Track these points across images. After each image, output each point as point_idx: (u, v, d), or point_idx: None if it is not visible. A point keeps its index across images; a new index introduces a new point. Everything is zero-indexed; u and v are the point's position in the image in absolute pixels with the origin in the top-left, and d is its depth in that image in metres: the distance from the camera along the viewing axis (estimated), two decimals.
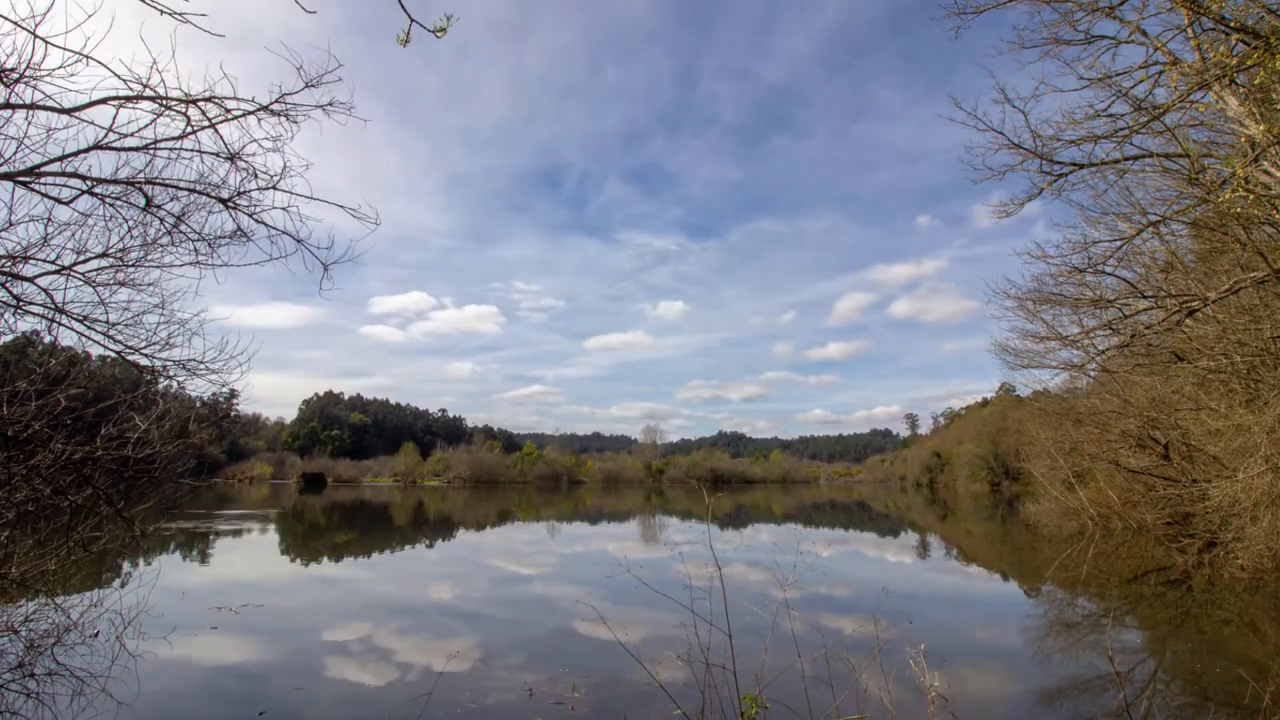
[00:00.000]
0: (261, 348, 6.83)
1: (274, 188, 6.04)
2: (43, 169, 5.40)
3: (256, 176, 5.96)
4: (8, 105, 5.03)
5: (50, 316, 5.91)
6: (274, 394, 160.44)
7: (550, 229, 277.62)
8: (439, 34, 3.28)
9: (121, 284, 6.24)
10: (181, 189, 5.86)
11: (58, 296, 5.90)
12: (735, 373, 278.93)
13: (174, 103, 5.40)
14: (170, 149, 5.67)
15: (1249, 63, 7.36)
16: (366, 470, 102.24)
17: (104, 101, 5.24)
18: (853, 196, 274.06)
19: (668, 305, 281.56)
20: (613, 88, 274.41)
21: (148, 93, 5.29)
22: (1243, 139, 8.32)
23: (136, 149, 5.56)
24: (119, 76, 5.11)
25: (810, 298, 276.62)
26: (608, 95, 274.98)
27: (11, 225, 5.62)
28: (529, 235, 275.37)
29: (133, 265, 6.18)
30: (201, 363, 6.59)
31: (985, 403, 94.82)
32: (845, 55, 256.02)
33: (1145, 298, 12.51)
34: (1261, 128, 7.78)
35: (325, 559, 16.53)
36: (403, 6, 3.09)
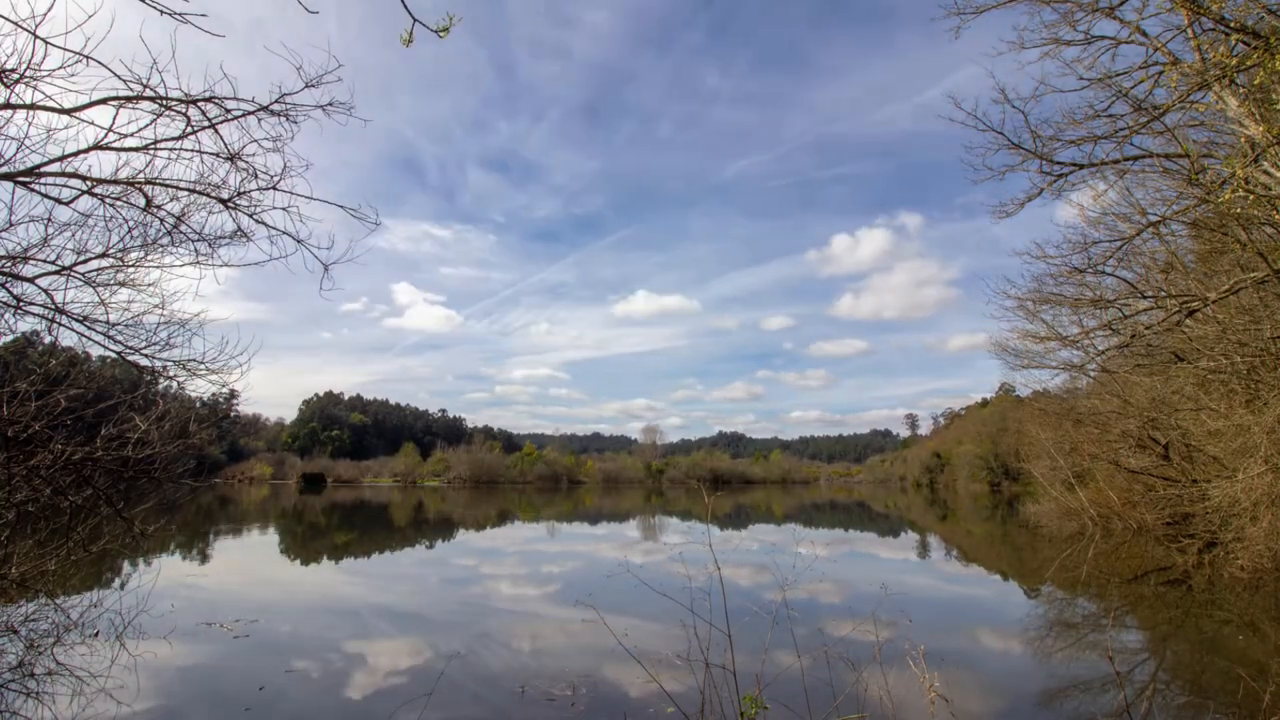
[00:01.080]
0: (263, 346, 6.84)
1: (274, 188, 6.04)
2: (43, 169, 5.40)
3: (256, 176, 5.96)
4: (8, 105, 5.03)
5: (50, 317, 5.91)
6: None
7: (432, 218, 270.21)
8: (442, 34, 3.28)
9: (121, 284, 6.24)
10: (181, 189, 5.85)
11: (58, 297, 5.90)
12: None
13: (174, 103, 5.40)
14: (170, 149, 5.66)
15: (1249, 63, 7.36)
16: (366, 471, 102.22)
17: (104, 102, 5.24)
18: (722, 187, 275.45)
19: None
20: (432, 71, 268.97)
21: (148, 93, 5.28)
22: (1243, 139, 8.32)
23: (136, 149, 5.56)
24: (119, 77, 5.11)
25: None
26: (431, 80, 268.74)
27: (11, 225, 5.62)
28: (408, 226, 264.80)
29: (133, 265, 6.18)
30: (201, 363, 6.59)
31: (985, 403, 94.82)
32: (654, 30, 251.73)
33: (1145, 298, 12.52)
34: (1261, 128, 7.78)
35: (325, 559, 16.53)
36: (405, 6, 3.09)
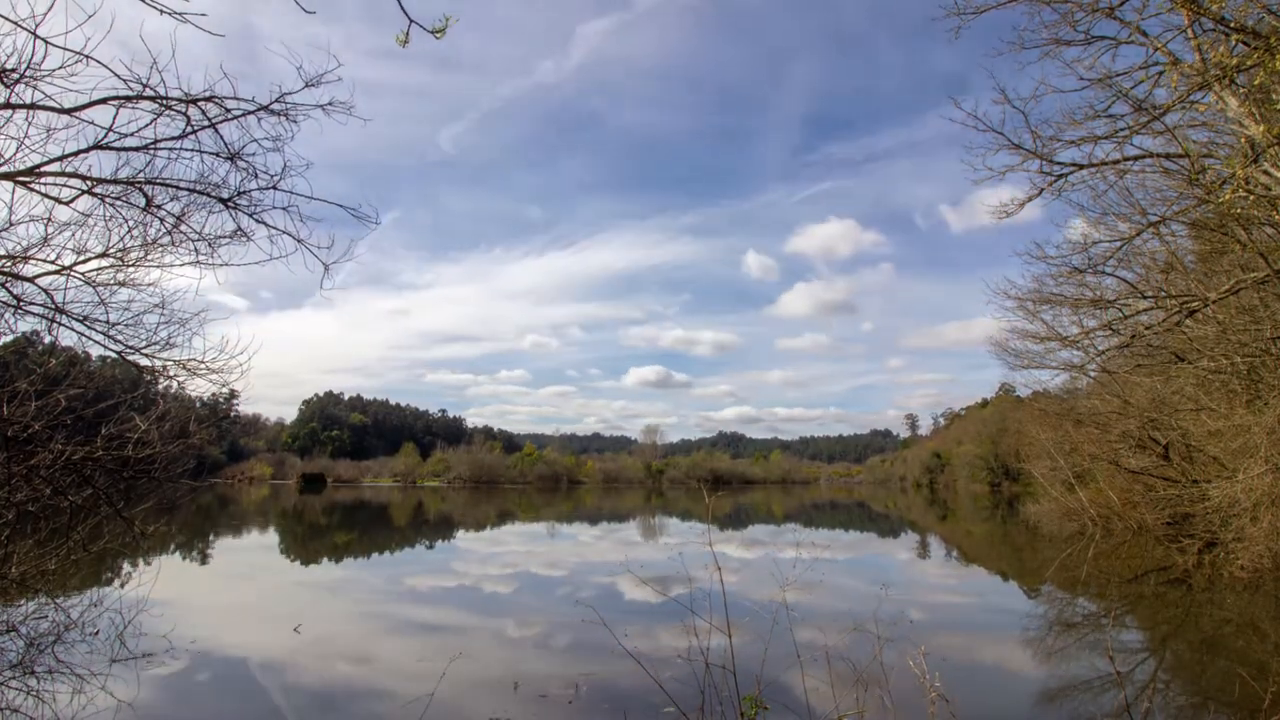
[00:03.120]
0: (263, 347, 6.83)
1: (274, 187, 6.03)
2: (43, 169, 5.40)
3: (257, 176, 5.96)
4: (8, 105, 5.03)
5: (50, 316, 5.91)
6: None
7: None
8: (438, 35, 3.27)
9: (121, 284, 6.24)
10: (182, 189, 5.85)
11: (58, 296, 5.90)
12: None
13: (174, 102, 5.40)
14: (170, 149, 5.66)
15: (1249, 63, 7.36)
16: (366, 471, 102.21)
17: (104, 101, 5.23)
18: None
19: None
20: None
21: (148, 93, 5.28)
22: (1243, 139, 8.32)
23: (136, 149, 5.55)
24: (119, 76, 5.11)
25: None
26: None
27: (11, 225, 5.62)
28: None
29: (133, 265, 6.18)
30: (201, 363, 6.58)
31: (985, 403, 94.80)
32: None
33: (1145, 298, 12.52)
34: (1261, 128, 7.78)
35: (324, 559, 16.53)
36: (401, 6, 3.08)
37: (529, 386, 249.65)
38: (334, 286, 6.65)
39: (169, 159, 5.71)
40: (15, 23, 4.50)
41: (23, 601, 7.96)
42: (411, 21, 3.23)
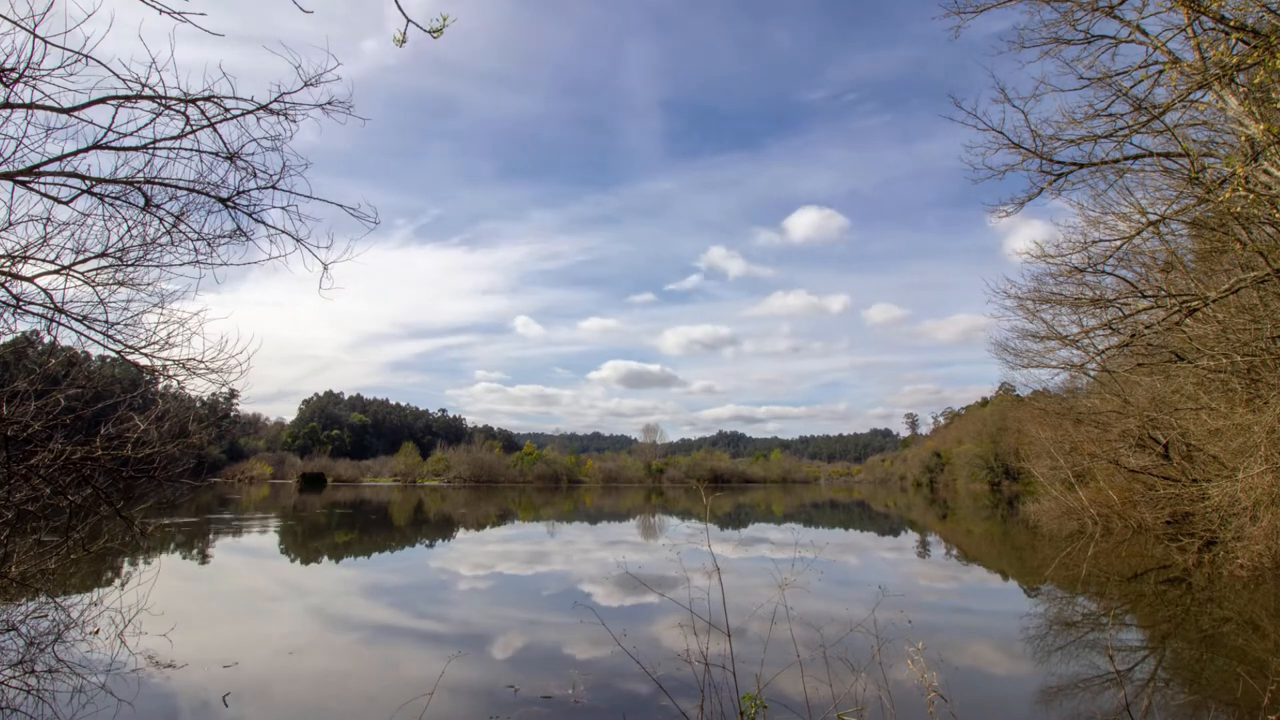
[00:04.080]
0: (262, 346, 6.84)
1: (273, 187, 6.04)
2: (42, 168, 5.40)
3: (256, 176, 5.96)
4: (7, 105, 5.03)
5: (50, 316, 5.91)
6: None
7: None
8: (435, 34, 3.27)
9: (121, 284, 6.24)
10: (181, 188, 5.85)
11: (57, 296, 5.90)
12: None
13: (173, 102, 5.40)
14: (169, 149, 5.67)
15: (1249, 62, 7.36)
16: (366, 470, 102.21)
17: (103, 101, 5.24)
18: None
19: None
20: None
21: (147, 92, 5.28)
22: (1242, 138, 8.32)
23: (136, 149, 5.56)
24: (118, 76, 5.12)
25: None
26: None
27: (11, 225, 5.62)
28: None
29: (132, 265, 6.18)
30: (201, 362, 6.59)
31: (985, 402, 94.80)
32: None
33: (1145, 297, 12.52)
34: (1261, 127, 7.78)
35: (325, 558, 16.53)
36: (399, 6, 3.08)
37: (504, 385, 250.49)
38: (332, 286, 6.65)
39: (168, 159, 5.73)
40: (15, 22, 4.50)
41: (23, 601, 7.97)
42: (409, 21, 3.23)
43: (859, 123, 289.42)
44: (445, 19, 3.23)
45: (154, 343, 6.36)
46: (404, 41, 3.19)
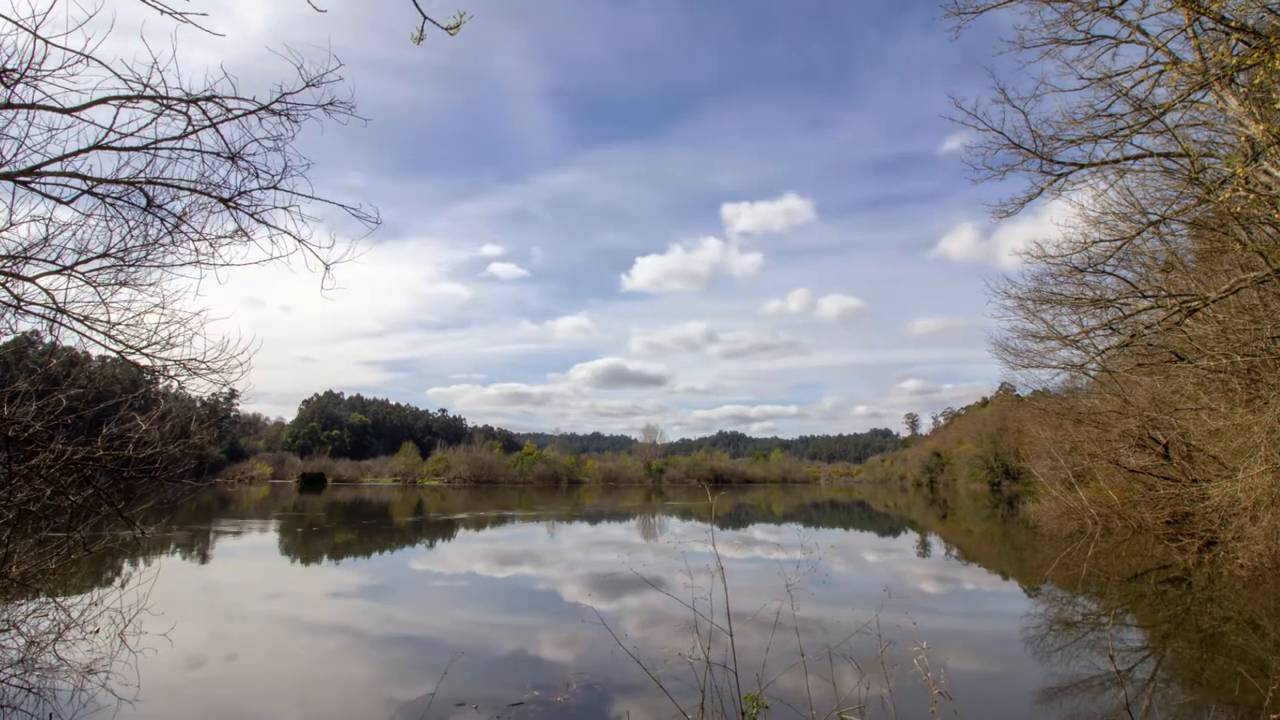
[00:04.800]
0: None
1: (275, 187, 6.03)
2: (43, 169, 5.40)
3: (258, 176, 5.96)
4: (8, 105, 5.03)
5: (51, 316, 5.91)
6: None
7: None
8: (452, 31, 3.26)
9: (122, 284, 6.24)
10: (182, 189, 5.85)
11: (58, 296, 5.90)
12: None
13: (174, 102, 5.40)
14: (171, 149, 5.66)
15: (1249, 62, 7.36)
16: (366, 470, 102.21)
17: (104, 101, 5.24)
18: None
19: None
20: None
21: (148, 92, 5.28)
22: (1243, 139, 8.32)
23: (137, 149, 5.56)
24: (119, 76, 5.11)
25: None
26: None
27: (12, 225, 5.62)
28: None
29: (134, 265, 6.18)
30: (202, 362, 6.59)
31: (985, 402, 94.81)
32: None
33: (1145, 297, 12.52)
34: (1261, 127, 7.78)
35: (325, 558, 16.53)
36: (416, 4, 3.07)
37: (481, 385, 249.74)
38: (334, 286, 6.65)
39: (169, 159, 5.72)
40: (16, 23, 4.50)
41: (23, 600, 7.96)
42: (425, 18, 3.23)
43: (754, 109, 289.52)
44: (462, 15, 3.20)
45: (155, 343, 6.36)
46: (422, 39, 3.17)
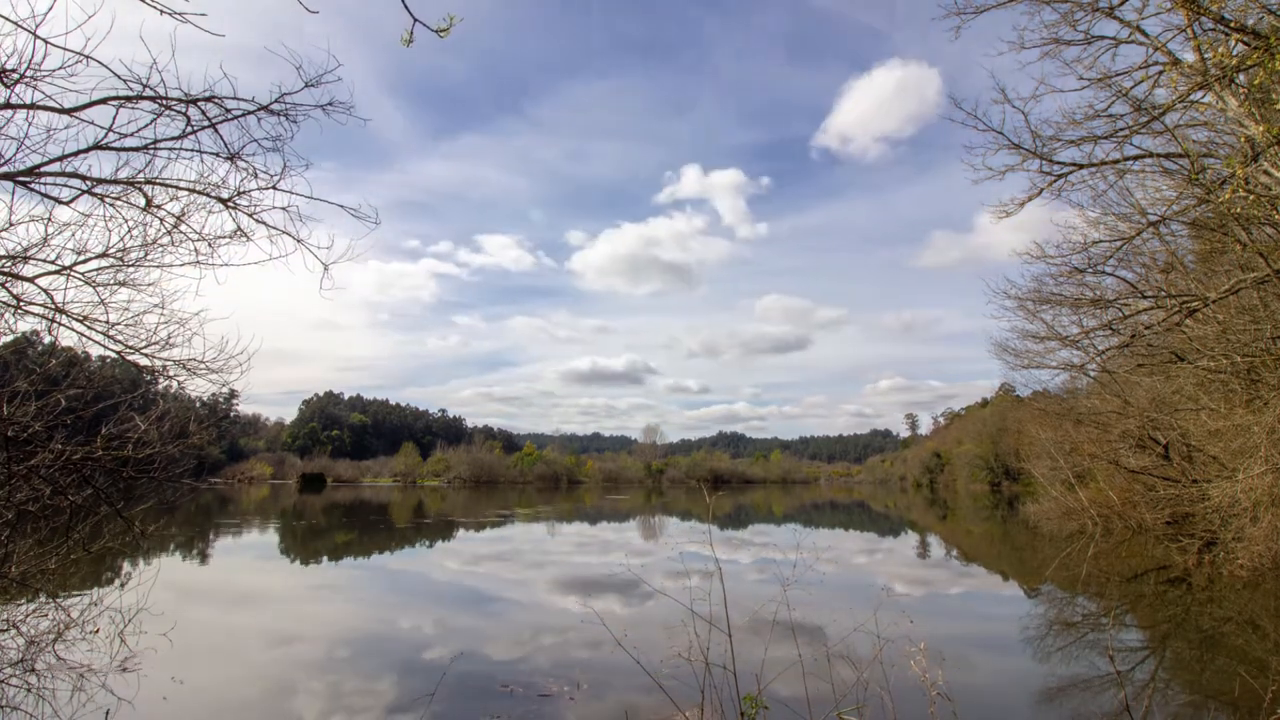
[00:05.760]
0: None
1: (274, 187, 6.03)
2: (43, 169, 5.40)
3: (257, 176, 5.96)
4: (8, 105, 5.03)
5: (50, 317, 5.91)
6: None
7: None
8: (442, 34, 3.26)
9: (121, 284, 6.23)
10: (181, 189, 5.85)
11: (58, 296, 5.89)
12: None
13: (174, 103, 5.39)
14: (170, 149, 5.66)
15: (1249, 63, 7.36)
16: (366, 470, 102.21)
17: (104, 101, 5.23)
18: None
19: None
20: None
21: (148, 93, 5.28)
22: (1242, 139, 8.32)
23: (136, 149, 5.55)
24: (119, 76, 5.11)
25: None
26: None
27: (11, 225, 5.62)
28: None
29: (133, 265, 6.17)
30: (202, 362, 6.58)
31: (985, 403, 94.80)
32: None
33: (1145, 298, 12.52)
34: (1261, 128, 7.78)
35: (325, 559, 16.53)
36: (405, 6, 3.07)
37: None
38: (333, 287, 6.65)
39: (169, 159, 5.71)
40: (15, 23, 4.50)
41: (23, 600, 7.96)
42: (416, 20, 3.22)
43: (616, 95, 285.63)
44: (452, 18, 3.19)
45: (154, 343, 6.35)
46: (410, 41, 3.16)
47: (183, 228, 6.08)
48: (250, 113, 5.61)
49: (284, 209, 6.12)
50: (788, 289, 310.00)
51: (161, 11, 4.11)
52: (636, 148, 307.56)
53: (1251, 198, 8.03)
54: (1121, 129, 9.83)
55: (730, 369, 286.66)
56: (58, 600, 8.18)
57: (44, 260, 5.77)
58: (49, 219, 5.70)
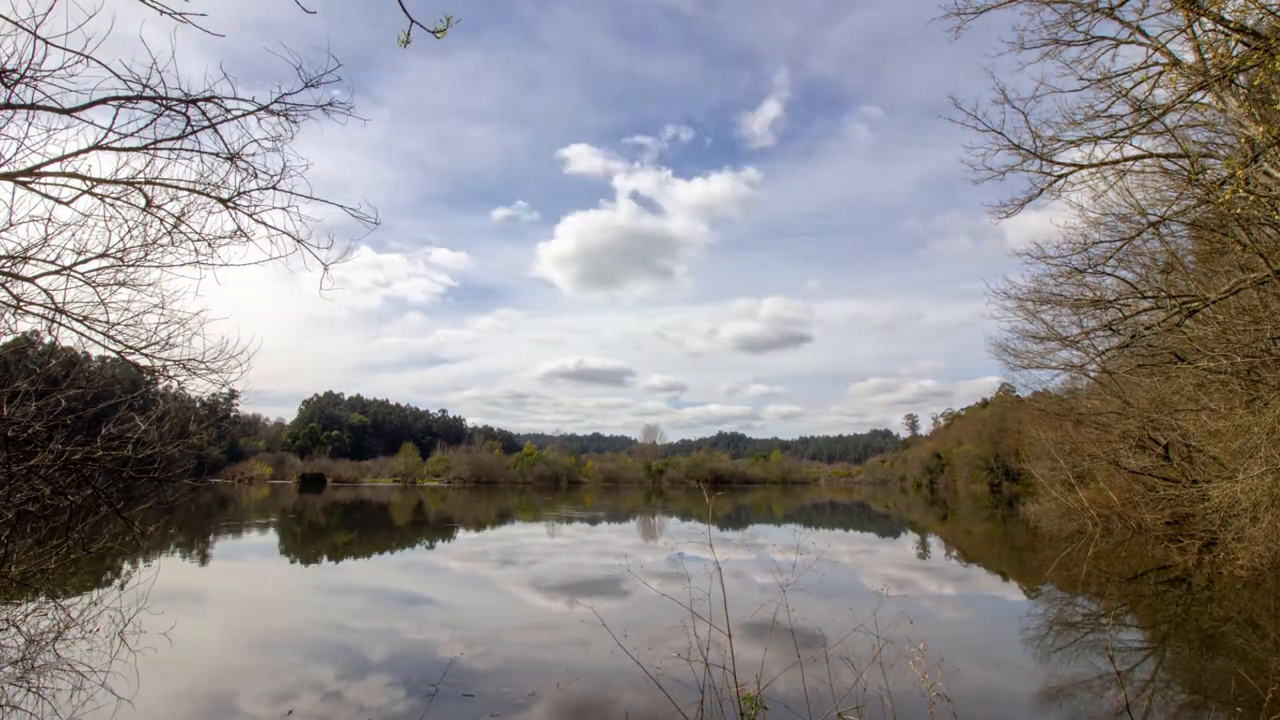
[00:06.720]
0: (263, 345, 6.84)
1: (274, 188, 6.03)
2: (43, 169, 5.40)
3: (256, 176, 5.96)
4: (8, 105, 5.03)
5: (50, 317, 5.91)
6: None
7: None
8: (439, 35, 3.26)
9: (121, 284, 6.24)
10: (181, 189, 5.86)
11: (58, 297, 5.90)
12: None
13: (174, 103, 5.40)
14: (170, 149, 5.66)
15: (1249, 63, 7.37)
16: (366, 471, 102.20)
17: (104, 102, 5.23)
18: None
19: None
20: None
21: (148, 93, 5.28)
22: (1242, 139, 8.33)
23: (136, 149, 5.56)
24: (119, 77, 5.11)
25: None
26: None
27: (12, 225, 5.62)
28: None
29: (133, 265, 6.18)
30: (201, 362, 6.59)
31: (985, 403, 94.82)
32: None
33: (1145, 298, 12.52)
34: (1261, 128, 7.78)
35: (325, 559, 16.53)
36: (402, 7, 3.07)
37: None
38: (332, 286, 6.66)
39: (169, 159, 5.72)
40: (15, 23, 4.50)
41: (23, 600, 7.97)
42: (413, 22, 3.23)
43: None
44: (449, 19, 3.19)
45: (154, 343, 6.36)
46: (408, 42, 3.16)
47: (183, 228, 6.09)
48: (250, 113, 5.62)
49: (284, 209, 6.13)
50: (783, 289, 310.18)
51: (161, 12, 4.11)
52: None
53: (1251, 198, 8.03)
54: (1121, 129, 9.83)
55: (731, 369, 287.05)
56: (57, 600, 8.19)
57: (44, 260, 5.78)
58: (49, 219, 5.71)
